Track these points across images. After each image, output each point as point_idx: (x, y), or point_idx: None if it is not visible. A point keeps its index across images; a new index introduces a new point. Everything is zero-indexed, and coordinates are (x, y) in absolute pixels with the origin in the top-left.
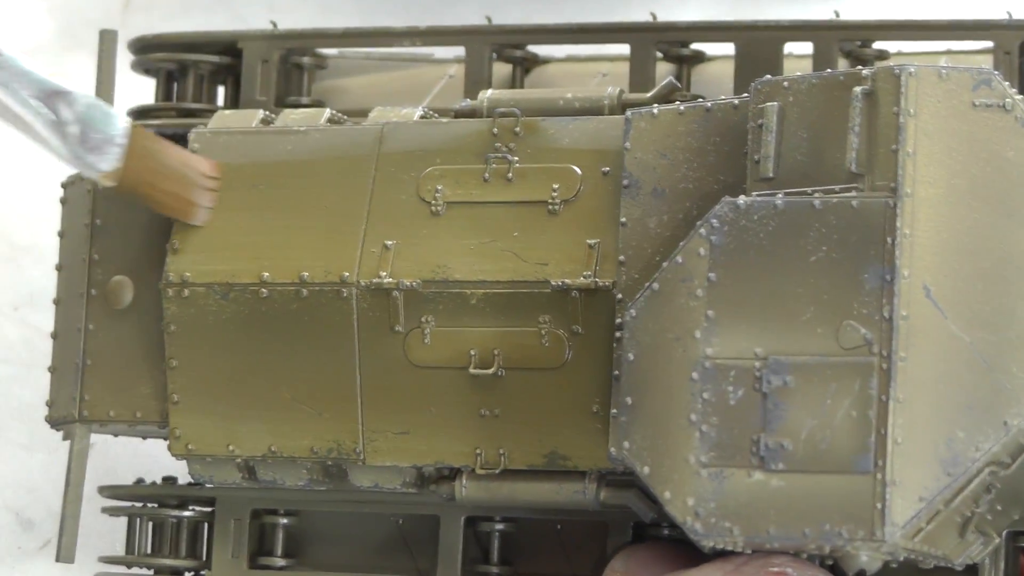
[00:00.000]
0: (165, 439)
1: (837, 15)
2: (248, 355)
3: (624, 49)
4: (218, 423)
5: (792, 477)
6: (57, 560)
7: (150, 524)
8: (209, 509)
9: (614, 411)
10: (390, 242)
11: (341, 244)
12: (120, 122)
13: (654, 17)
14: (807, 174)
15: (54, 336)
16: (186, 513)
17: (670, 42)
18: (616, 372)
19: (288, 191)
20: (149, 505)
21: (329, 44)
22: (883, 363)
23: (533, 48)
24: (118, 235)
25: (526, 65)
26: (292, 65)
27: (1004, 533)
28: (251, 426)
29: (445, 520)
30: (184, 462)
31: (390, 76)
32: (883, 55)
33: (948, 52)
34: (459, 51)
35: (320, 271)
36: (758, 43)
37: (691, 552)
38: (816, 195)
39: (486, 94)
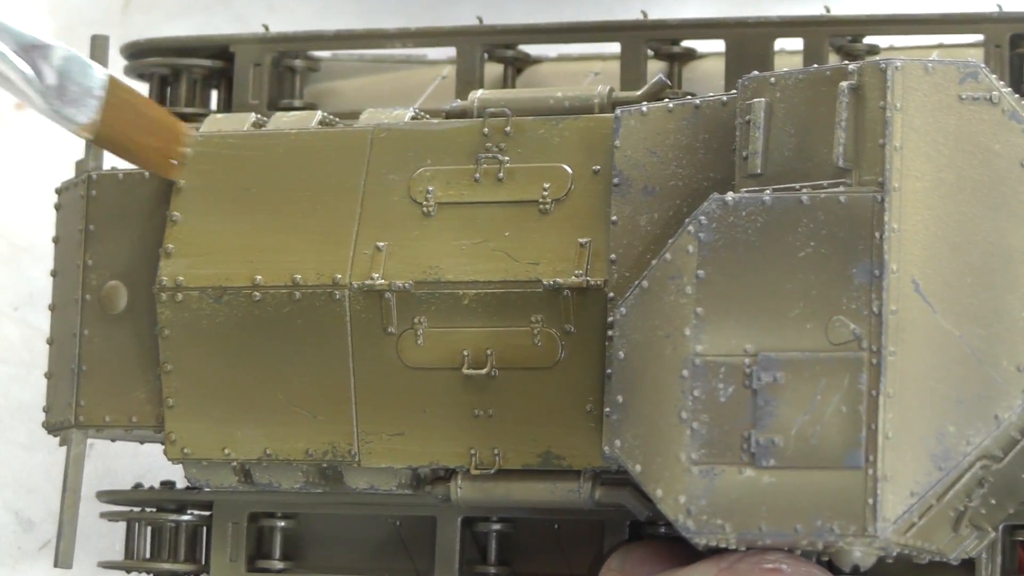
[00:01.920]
0: (162, 443)
1: (827, 10)
2: (242, 358)
3: (616, 48)
4: (213, 427)
5: (783, 473)
6: (55, 566)
7: (148, 529)
8: (207, 513)
9: (607, 409)
10: (382, 243)
11: (333, 246)
12: (98, 74)
13: (645, 15)
14: (795, 170)
15: (50, 342)
16: (184, 517)
17: (661, 40)
18: (608, 371)
19: (280, 194)
20: (147, 510)
21: (321, 46)
22: (872, 358)
23: (524, 48)
24: (112, 240)
25: (518, 65)
26: (284, 68)
27: (1000, 527)
28: (246, 429)
29: (442, 521)
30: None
31: (383, 78)
32: (874, 50)
33: (940, 46)
34: (452, 52)
35: (312, 273)
36: (748, 39)
37: (686, 550)
38: (804, 191)
39: (476, 94)
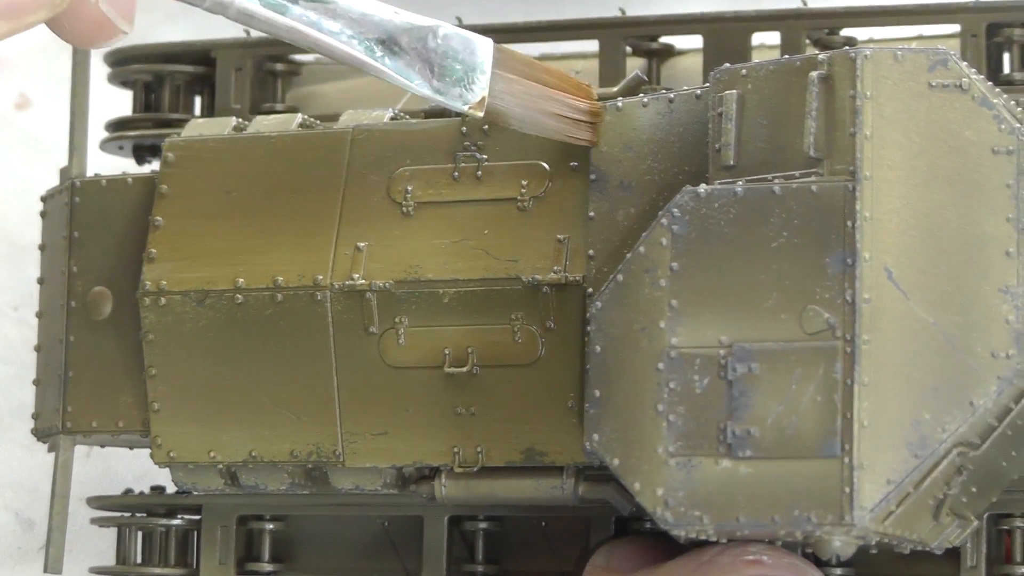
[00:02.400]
0: (149, 448)
1: (804, 3)
2: (226, 361)
3: (595, 46)
4: (199, 430)
5: (760, 464)
6: (45, 572)
7: (139, 534)
8: (197, 517)
9: (586, 405)
10: (362, 244)
11: (314, 247)
12: (482, 48)
13: (623, 12)
14: (768, 161)
15: (38, 349)
16: (174, 522)
17: (639, 36)
18: (587, 366)
19: (261, 196)
20: (137, 515)
21: (302, 50)
22: (847, 347)
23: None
24: (96, 246)
25: None
26: (266, 72)
27: (985, 516)
28: (231, 432)
29: (429, 520)
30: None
31: (365, 81)
32: (851, 42)
33: (918, 37)
34: None
35: (294, 275)
36: (726, 34)
37: (671, 544)
38: (776, 181)
39: None
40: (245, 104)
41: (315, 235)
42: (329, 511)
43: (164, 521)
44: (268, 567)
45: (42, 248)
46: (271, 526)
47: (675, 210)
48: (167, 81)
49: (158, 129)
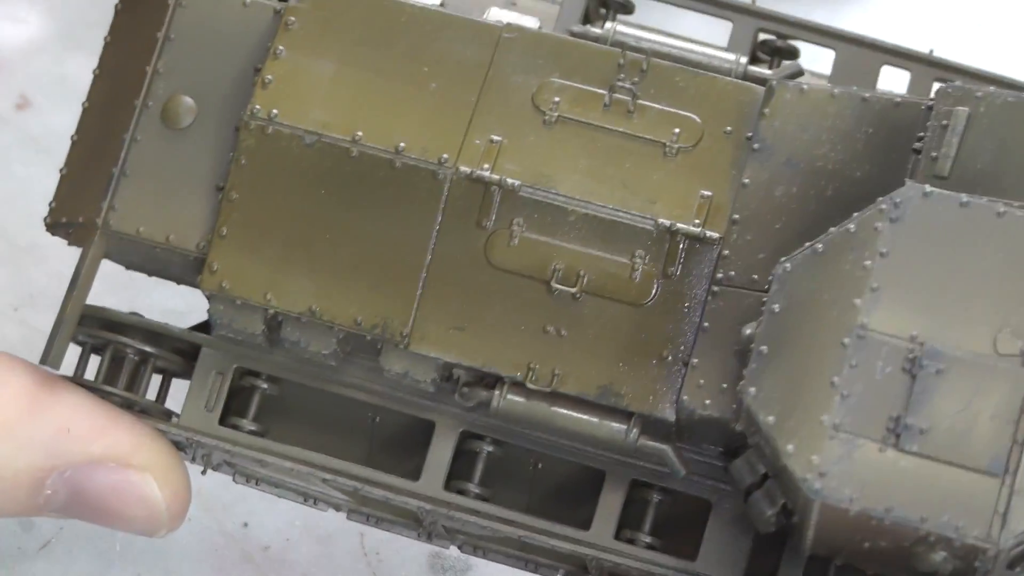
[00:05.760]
0: (178, 282)
1: (931, 52)
2: (317, 208)
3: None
4: (262, 268)
5: (923, 462)
6: (41, 363)
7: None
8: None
9: (753, 362)
10: (496, 137)
11: (444, 127)
12: None
13: (753, 2)
14: (982, 183)
15: (74, 138)
16: (163, 353)
17: (771, 31)
18: (747, 328)
19: (395, 60)
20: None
21: None
22: None
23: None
24: (192, 55)
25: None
26: None
27: None
28: (297, 280)
29: (440, 429)
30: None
31: None
32: None
33: None
34: None
35: (418, 147)
36: (858, 57)
37: None
38: (1001, 203)
39: (613, 24)
40: None
41: (446, 115)
42: (331, 388)
43: (151, 349)
44: (249, 425)
45: (107, 39)
46: (264, 386)
47: (897, 199)
48: None
49: None
